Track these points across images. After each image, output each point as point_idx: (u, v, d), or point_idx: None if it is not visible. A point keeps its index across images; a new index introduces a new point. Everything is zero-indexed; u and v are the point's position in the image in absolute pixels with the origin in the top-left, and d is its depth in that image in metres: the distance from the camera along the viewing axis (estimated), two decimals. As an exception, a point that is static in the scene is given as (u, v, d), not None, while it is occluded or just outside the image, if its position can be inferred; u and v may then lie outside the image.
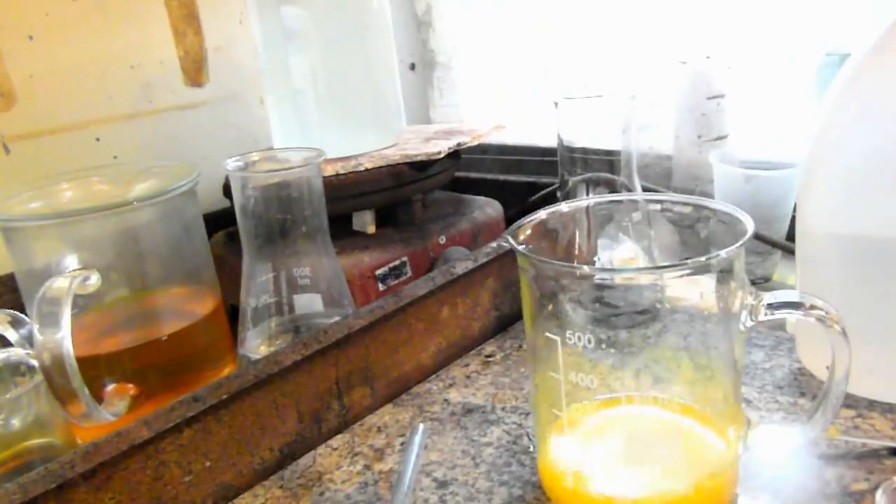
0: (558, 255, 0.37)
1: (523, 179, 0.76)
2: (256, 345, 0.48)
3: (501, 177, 0.78)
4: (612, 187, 0.52)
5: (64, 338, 0.36)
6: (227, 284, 0.52)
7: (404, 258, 0.58)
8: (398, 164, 0.59)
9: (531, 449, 0.40)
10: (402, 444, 0.42)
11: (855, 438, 0.38)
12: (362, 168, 0.58)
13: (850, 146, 0.39)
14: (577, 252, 0.39)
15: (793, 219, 0.57)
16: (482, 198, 0.68)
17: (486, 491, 0.37)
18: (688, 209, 0.36)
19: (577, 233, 0.39)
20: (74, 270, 0.39)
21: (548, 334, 0.32)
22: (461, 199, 0.68)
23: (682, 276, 0.30)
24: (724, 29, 0.69)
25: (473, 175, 0.79)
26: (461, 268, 0.50)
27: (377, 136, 0.63)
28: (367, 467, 0.41)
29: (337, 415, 0.44)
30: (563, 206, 0.37)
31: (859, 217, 0.39)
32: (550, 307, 0.33)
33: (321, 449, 0.43)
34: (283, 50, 0.59)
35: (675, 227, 0.38)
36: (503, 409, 0.45)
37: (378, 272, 0.56)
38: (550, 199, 0.65)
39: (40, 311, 0.36)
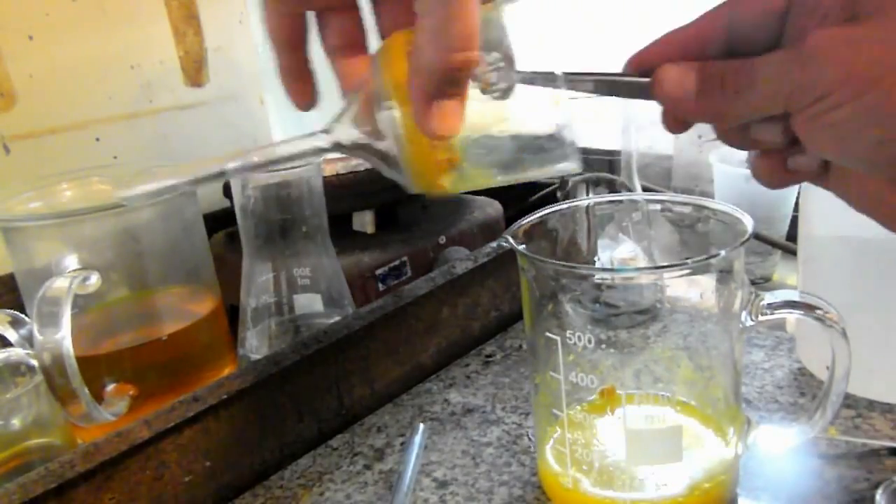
0: (558, 255, 0.37)
1: (523, 179, 0.76)
2: (256, 345, 0.48)
3: (501, 177, 0.78)
4: (612, 187, 0.52)
5: (64, 338, 0.36)
6: (227, 284, 0.52)
7: (404, 258, 0.58)
8: (398, 164, 0.58)
9: (531, 449, 0.40)
10: (402, 444, 0.42)
11: (855, 438, 0.38)
12: (362, 168, 0.58)
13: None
14: (577, 252, 0.39)
15: (793, 219, 0.57)
16: (482, 198, 0.68)
17: (486, 491, 0.37)
18: (688, 209, 0.36)
19: (577, 233, 0.39)
20: (74, 270, 0.39)
21: (548, 334, 0.32)
22: (461, 199, 0.68)
23: (682, 276, 0.31)
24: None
25: (473, 175, 0.79)
26: (461, 268, 0.50)
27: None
28: (367, 467, 0.41)
29: (337, 415, 0.44)
30: (563, 206, 0.37)
31: (861, 219, 0.39)
32: (550, 307, 0.33)
33: (321, 449, 0.43)
34: (283, 50, 0.59)
35: (675, 227, 0.38)
36: (503, 409, 0.45)
37: (378, 272, 0.56)
38: (550, 199, 0.65)
39: (40, 311, 0.36)
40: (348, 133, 0.28)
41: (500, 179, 0.28)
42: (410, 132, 0.26)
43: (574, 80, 0.26)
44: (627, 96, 0.27)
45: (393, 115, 0.26)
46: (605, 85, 0.27)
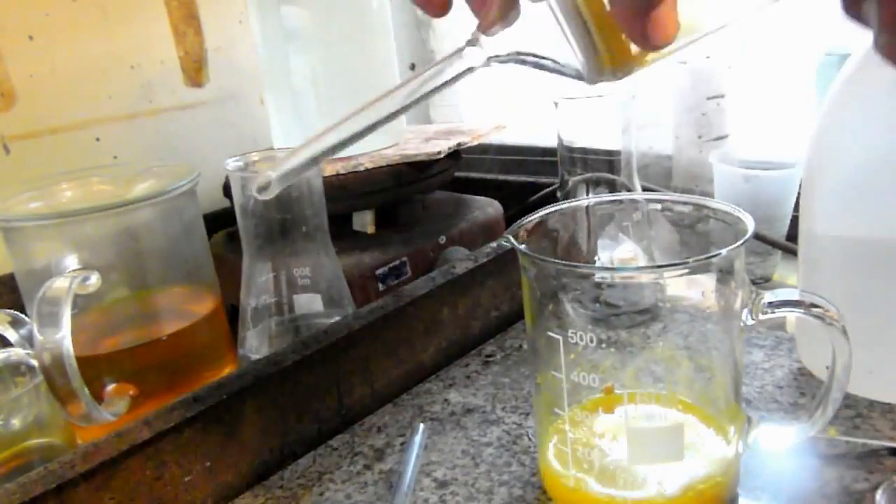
0: (559, 255, 0.37)
1: (523, 179, 0.76)
2: (256, 345, 0.48)
3: (501, 177, 0.78)
4: (612, 187, 0.52)
5: (64, 338, 0.36)
6: (227, 284, 0.52)
7: (404, 258, 0.58)
8: (398, 164, 0.59)
9: (531, 449, 0.40)
10: (402, 444, 0.42)
11: (855, 438, 0.38)
12: (362, 168, 0.58)
13: (851, 147, 0.39)
14: (577, 252, 0.39)
15: (793, 219, 0.57)
16: (482, 198, 0.68)
17: (486, 491, 0.37)
18: (688, 209, 0.36)
19: (577, 233, 0.39)
20: (74, 270, 0.39)
21: (550, 334, 0.32)
22: (461, 199, 0.68)
23: (682, 275, 0.31)
24: (723, 29, 0.69)
25: (473, 175, 0.79)
26: (461, 268, 0.50)
27: (377, 136, 0.63)
28: (367, 467, 0.41)
29: (337, 415, 0.44)
30: (563, 206, 0.37)
31: (861, 219, 0.39)
32: (552, 307, 0.33)
33: (321, 449, 0.43)
34: (283, 50, 0.59)
35: (675, 227, 0.38)
36: (503, 409, 0.45)
37: (378, 272, 0.56)
38: (550, 199, 0.65)
39: (40, 311, 0.36)
40: (500, 39, 0.24)
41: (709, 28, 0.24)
42: (596, 7, 0.22)
43: None
44: None
45: None
46: None
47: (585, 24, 0.23)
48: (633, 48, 0.23)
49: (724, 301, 0.32)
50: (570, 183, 0.53)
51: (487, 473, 0.39)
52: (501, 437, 0.42)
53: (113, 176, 0.51)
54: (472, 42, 0.24)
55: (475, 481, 0.38)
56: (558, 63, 0.24)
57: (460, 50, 0.25)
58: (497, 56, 0.24)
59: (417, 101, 0.25)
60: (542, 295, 0.33)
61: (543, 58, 0.24)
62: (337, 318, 0.46)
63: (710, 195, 0.64)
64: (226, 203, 0.64)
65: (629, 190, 0.52)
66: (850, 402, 0.41)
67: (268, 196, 0.26)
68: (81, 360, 0.36)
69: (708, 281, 0.31)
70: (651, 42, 0.22)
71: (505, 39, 0.24)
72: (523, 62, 0.25)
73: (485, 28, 0.24)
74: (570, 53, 0.23)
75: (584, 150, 0.52)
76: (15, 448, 0.41)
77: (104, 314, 0.46)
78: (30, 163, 0.61)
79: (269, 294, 0.48)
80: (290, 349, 0.41)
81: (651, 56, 0.24)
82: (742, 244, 0.30)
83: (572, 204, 0.37)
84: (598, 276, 0.34)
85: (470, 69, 0.25)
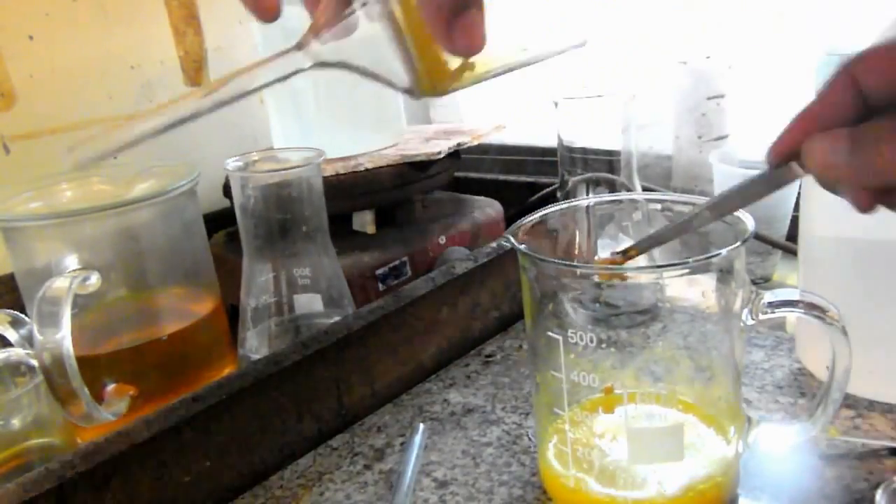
0: (558, 255, 0.37)
1: (523, 179, 0.76)
2: (256, 345, 0.48)
3: (501, 177, 0.78)
4: (612, 187, 0.52)
5: (64, 338, 0.36)
6: (227, 284, 0.52)
7: (404, 258, 0.58)
8: (398, 164, 0.59)
9: (531, 449, 0.40)
10: (402, 444, 0.42)
11: (855, 438, 0.38)
12: (362, 168, 0.58)
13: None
14: (577, 252, 0.39)
15: (793, 219, 0.57)
16: (482, 198, 0.68)
17: (486, 491, 0.37)
18: (688, 209, 0.36)
19: (577, 233, 0.39)
20: (74, 270, 0.39)
21: (549, 333, 0.32)
22: (461, 199, 0.68)
23: (682, 275, 0.30)
24: (724, 29, 0.69)
25: (473, 175, 0.79)
26: (461, 268, 0.50)
27: (377, 136, 0.63)
28: (367, 467, 0.41)
29: (337, 415, 0.44)
30: (563, 206, 0.37)
31: (861, 219, 0.39)
32: (551, 307, 0.33)
33: (321, 449, 0.43)
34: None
35: (676, 226, 0.38)
36: (503, 409, 0.45)
37: (378, 272, 0.56)
38: (550, 199, 0.65)
39: (40, 311, 0.36)
40: (331, 47, 0.25)
41: (518, 62, 0.26)
42: (417, 28, 0.23)
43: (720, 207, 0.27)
44: (773, 189, 0.28)
45: (392, 11, 0.23)
46: (754, 194, 0.27)
47: (403, 35, 0.24)
48: (450, 64, 0.24)
49: (724, 301, 0.32)
50: (570, 183, 0.53)
51: (487, 473, 0.39)
52: (501, 437, 0.42)
53: (113, 176, 0.51)
54: (300, 46, 0.25)
55: (475, 481, 0.38)
56: (387, 77, 0.25)
57: (286, 51, 0.25)
58: (324, 63, 0.25)
59: (238, 98, 0.26)
60: (542, 295, 0.33)
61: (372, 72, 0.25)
62: (337, 318, 0.46)
63: (710, 195, 0.64)
64: (226, 203, 0.64)
65: (629, 190, 0.52)
66: (850, 402, 0.41)
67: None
68: (81, 360, 0.36)
69: (708, 281, 0.31)
70: (457, 46, 0.23)
71: (337, 47, 0.25)
72: (352, 69, 0.26)
73: (314, 31, 0.25)
74: (399, 68, 0.24)
75: (584, 150, 0.52)
76: (15, 448, 0.41)
77: (104, 314, 0.46)
78: (30, 163, 0.61)
79: (269, 294, 0.48)
80: (290, 349, 0.41)
81: (468, 74, 0.25)
82: (742, 244, 0.30)
83: (572, 204, 0.37)
84: (597, 276, 0.34)
85: (297, 71, 0.25)
